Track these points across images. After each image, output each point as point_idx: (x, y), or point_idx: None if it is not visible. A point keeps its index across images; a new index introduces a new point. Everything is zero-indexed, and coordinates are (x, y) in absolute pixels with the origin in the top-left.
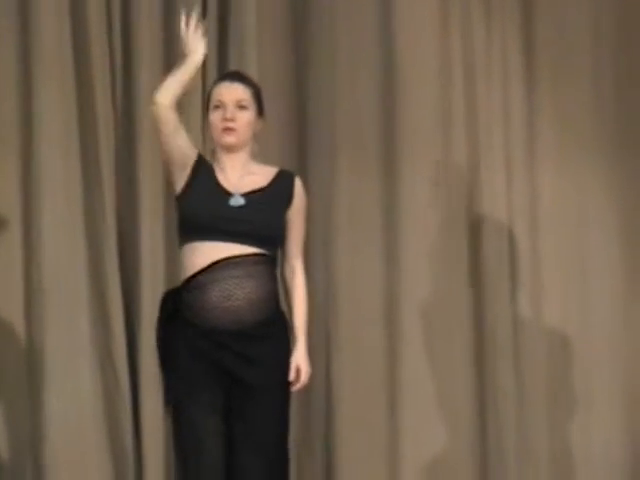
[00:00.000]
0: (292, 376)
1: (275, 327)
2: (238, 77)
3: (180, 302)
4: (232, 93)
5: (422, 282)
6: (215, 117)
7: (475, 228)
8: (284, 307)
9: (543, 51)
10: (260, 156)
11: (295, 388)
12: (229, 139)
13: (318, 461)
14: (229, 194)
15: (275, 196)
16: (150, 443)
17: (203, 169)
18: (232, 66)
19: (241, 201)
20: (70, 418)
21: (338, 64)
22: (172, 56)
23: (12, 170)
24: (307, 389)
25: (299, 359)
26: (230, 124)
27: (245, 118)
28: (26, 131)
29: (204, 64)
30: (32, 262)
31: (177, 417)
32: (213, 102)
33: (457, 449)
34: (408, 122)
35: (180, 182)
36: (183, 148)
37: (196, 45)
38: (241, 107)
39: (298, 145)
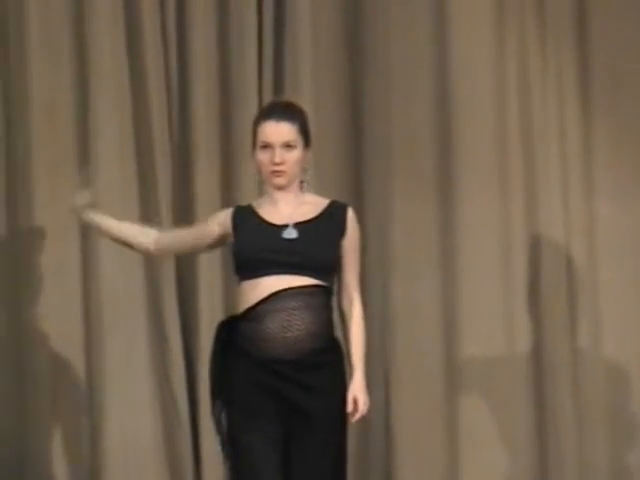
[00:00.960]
0: (350, 407)
1: (331, 355)
2: (284, 114)
3: (236, 332)
4: (279, 134)
5: (480, 308)
6: (263, 158)
7: (533, 252)
8: (340, 337)
9: (598, 72)
10: (316, 181)
11: (353, 419)
12: (279, 181)
13: None
14: (279, 227)
15: (328, 226)
16: (210, 470)
17: (244, 217)
18: (288, 89)
19: (294, 234)
20: (129, 446)
21: (393, 88)
22: (226, 67)
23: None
24: (366, 420)
25: (356, 390)
26: (279, 168)
27: (293, 158)
28: (83, 148)
29: (260, 84)
30: (90, 288)
31: (235, 448)
32: (260, 142)
33: (517, 478)
34: (463, 145)
35: (230, 239)
36: (205, 233)
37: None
38: (289, 147)
39: (354, 170)
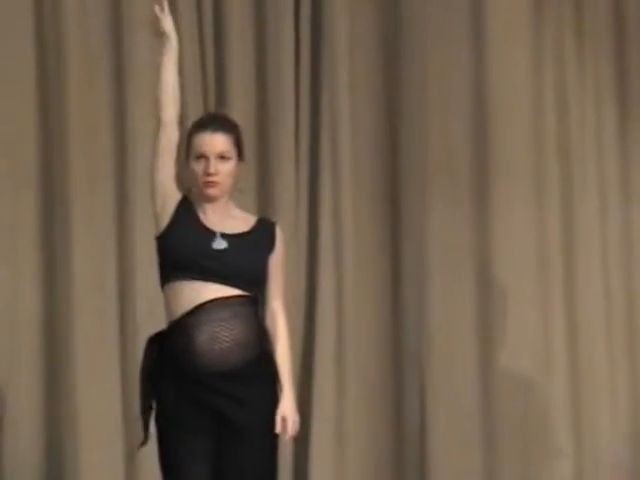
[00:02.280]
0: (278, 427)
1: (262, 367)
2: (219, 125)
3: (166, 346)
4: (214, 145)
5: (516, 317)
6: (197, 168)
7: (569, 260)
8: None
9: (637, 83)
10: (353, 190)
11: (284, 438)
12: (212, 192)
13: None
14: (211, 234)
15: (257, 241)
16: None
17: (186, 210)
18: (325, 111)
19: (224, 244)
20: None
21: (430, 94)
22: (263, 79)
23: (107, 200)
24: (401, 430)
25: (285, 409)
26: (213, 178)
27: (227, 169)
28: (120, 162)
29: (297, 96)
30: (126, 297)
31: (165, 464)
32: (194, 152)
33: None
34: (500, 155)
35: (163, 221)
36: (170, 181)
37: (170, 27)
38: (223, 158)
39: (390, 179)
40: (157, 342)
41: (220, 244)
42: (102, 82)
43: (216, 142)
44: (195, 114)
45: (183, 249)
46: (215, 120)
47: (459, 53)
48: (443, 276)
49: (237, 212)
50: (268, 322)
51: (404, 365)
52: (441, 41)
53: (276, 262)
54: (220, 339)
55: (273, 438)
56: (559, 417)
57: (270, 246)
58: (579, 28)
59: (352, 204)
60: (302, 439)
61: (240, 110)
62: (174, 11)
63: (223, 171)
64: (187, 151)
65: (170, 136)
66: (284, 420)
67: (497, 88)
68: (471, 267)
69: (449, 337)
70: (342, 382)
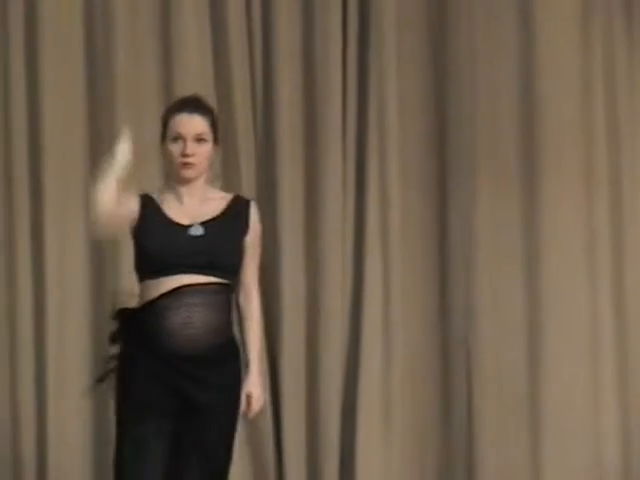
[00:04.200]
0: (243, 403)
1: (227, 351)
2: (197, 107)
3: (136, 324)
4: (192, 126)
5: (564, 307)
6: (174, 150)
7: (617, 250)
8: (237, 332)
9: None
10: (400, 180)
11: (248, 415)
12: (188, 173)
13: None
14: (184, 227)
15: (232, 224)
16: (293, 463)
17: (150, 211)
18: (372, 95)
19: (200, 230)
20: None
21: (478, 84)
22: (310, 69)
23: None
24: (448, 415)
25: (251, 385)
26: (190, 159)
27: (204, 152)
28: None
29: (344, 85)
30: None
31: (122, 435)
32: (171, 133)
33: (600, 468)
34: (548, 144)
35: (133, 222)
36: (128, 209)
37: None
38: (200, 140)
39: (438, 169)
40: (127, 316)
41: (196, 231)
42: (149, 63)
43: (193, 123)
44: (243, 113)
45: (158, 249)
46: (192, 102)
47: (507, 39)
48: (491, 260)
49: (213, 193)
50: (241, 301)
51: (451, 349)
52: (489, 26)
53: (251, 242)
54: (192, 324)
55: (233, 421)
56: (606, 402)
57: (244, 228)
58: (628, 9)
59: (399, 190)
60: (349, 424)
61: (287, 97)
62: (223, 7)
63: (199, 153)
64: (163, 133)
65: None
66: (249, 397)
67: (545, 74)
68: (519, 251)
69: (496, 321)
70: (389, 367)
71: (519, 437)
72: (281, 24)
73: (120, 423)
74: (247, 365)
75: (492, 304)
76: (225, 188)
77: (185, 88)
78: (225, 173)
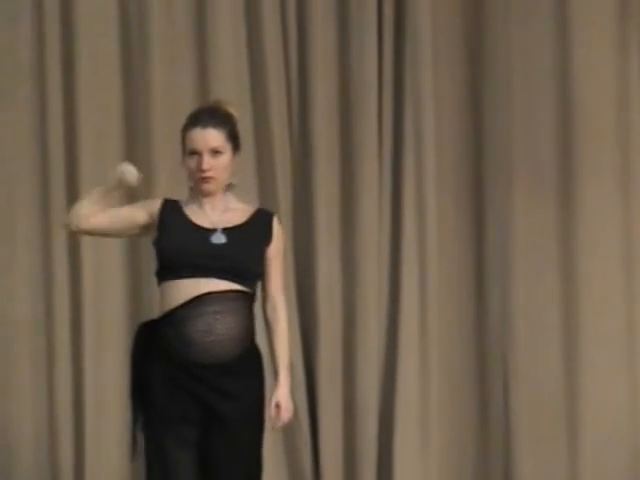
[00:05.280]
0: (272, 412)
1: (250, 362)
2: (210, 120)
3: (157, 335)
4: (206, 141)
5: (601, 312)
6: (191, 164)
7: None
8: (261, 342)
9: None
10: (438, 182)
11: (275, 426)
12: (207, 187)
13: None
14: (207, 231)
15: (254, 233)
16: (329, 466)
17: (171, 213)
18: (408, 97)
19: (223, 239)
20: None
21: (514, 92)
22: (346, 68)
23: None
24: (483, 416)
25: (280, 396)
26: (207, 174)
27: (221, 164)
28: None
29: (380, 84)
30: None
31: (150, 450)
32: (187, 149)
33: None
34: (585, 149)
35: (153, 231)
36: (135, 217)
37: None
38: (216, 153)
39: (474, 175)
40: (148, 330)
41: (219, 238)
42: (185, 61)
43: (207, 138)
44: (278, 116)
45: (179, 249)
46: (205, 115)
47: (543, 41)
48: (527, 265)
49: (236, 204)
50: (268, 312)
51: (488, 357)
52: (525, 27)
53: (274, 254)
54: (213, 332)
55: (257, 431)
56: None
57: (267, 238)
58: None
59: (435, 193)
60: (386, 433)
61: (322, 96)
62: (258, 28)
63: (216, 166)
64: (182, 148)
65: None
66: (278, 407)
67: (582, 79)
68: (556, 256)
69: (533, 325)
70: (426, 372)
71: (557, 445)
72: (316, 28)
73: (146, 436)
74: (276, 376)
75: (529, 307)
76: (261, 192)
77: (220, 92)
78: (261, 177)
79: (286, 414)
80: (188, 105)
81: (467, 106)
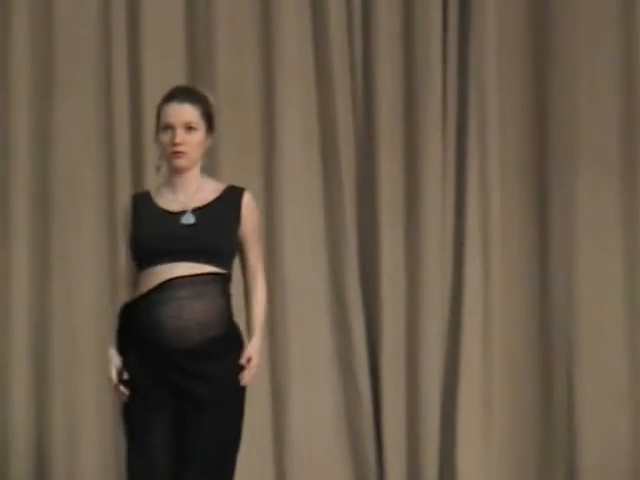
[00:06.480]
0: (244, 360)
1: (225, 344)
2: (186, 96)
3: (132, 320)
4: (180, 115)
5: None
6: (164, 139)
7: None
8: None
9: None
10: (502, 169)
11: (244, 380)
12: (179, 162)
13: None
14: (175, 214)
15: (223, 212)
16: (393, 454)
17: (142, 205)
18: (472, 85)
19: (192, 219)
20: (312, 430)
21: (579, 76)
22: (411, 61)
23: (255, 181)
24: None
25: (251, 350)
26: (179, 148)
27: (194, 140)
28: (268, 135)
29: (444, 70)
30: (275, 274)
31: (128, 432)
32: (162, 123)
33: None
34: None
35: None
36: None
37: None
38: (190, 129)
39: (538, 158)
40: (127, 310)
41: (188, 219)
42: (250, 47)
43: (182, 112)
44: (343, 103)
45: (144, 239)
46: (182, 91)
47: (608, 33)
48: (591, 248)
49: (208, 183)
50: (247, 278)
51: (552, 338)
52: (591, 19)
53: (247, 231)
54: (181, 317)
55: (237, 409)
56: None
57: (237, 216)
58: None
59: (499, 179)
60: (449, 423)
61: (387, 81)
62: (323, 9)
63: (189, 141)
64: (157, 123)
65: None
66: (248, 360)
67: None
68: (620, 239)
69: (597, 309)
70: (489, 357)
71: (621, 434)
72: (381, 12)
73: (123, 418)
74: (250, 334)
75: (593, 291)
76: (325, 174)
77: (285, 76)
78: (324, 160)
79: (254, 369)
80: (253, 90)
81: (531, 89)
